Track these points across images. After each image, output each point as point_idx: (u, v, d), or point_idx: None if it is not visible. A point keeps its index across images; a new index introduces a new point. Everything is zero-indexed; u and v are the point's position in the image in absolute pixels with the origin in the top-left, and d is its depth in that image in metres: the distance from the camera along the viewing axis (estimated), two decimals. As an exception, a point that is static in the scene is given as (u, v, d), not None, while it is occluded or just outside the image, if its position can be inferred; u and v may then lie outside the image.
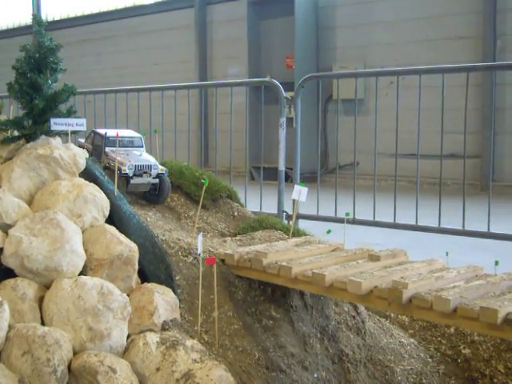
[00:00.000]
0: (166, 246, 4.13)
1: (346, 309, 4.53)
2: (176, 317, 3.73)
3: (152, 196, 5.10)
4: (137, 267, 3.77)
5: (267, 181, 8.49)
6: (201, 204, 4.70)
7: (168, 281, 3.91)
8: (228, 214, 5.55)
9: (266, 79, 8.47)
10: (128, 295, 3.66)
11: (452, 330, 5.01)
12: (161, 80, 15.87)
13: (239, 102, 8.25)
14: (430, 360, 4.83)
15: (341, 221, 4.89)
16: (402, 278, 3.46)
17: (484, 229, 6.07)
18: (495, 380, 4.66)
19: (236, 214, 5.59)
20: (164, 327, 3.62)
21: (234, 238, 4.72)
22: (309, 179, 9.11)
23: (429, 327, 5.11)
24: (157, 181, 4.95)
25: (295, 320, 4.21)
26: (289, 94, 7.33)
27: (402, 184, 11.22)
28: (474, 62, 12.65)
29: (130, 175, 4.79)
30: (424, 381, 4.63)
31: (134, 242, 3.85)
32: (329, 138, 15.94)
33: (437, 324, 5.09)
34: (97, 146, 5.16)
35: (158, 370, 3.36)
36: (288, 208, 7.12)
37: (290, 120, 7.47)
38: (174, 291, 3.86)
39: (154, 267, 3.92)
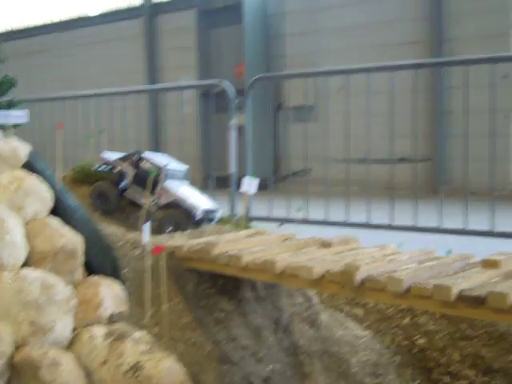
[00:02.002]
0: (112, 239, 4.00)
1: (299, 301, 4.45)
2: (124, 310, 3.60)
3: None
4: (82, 260, 3.64)
5: (221, 188, 8.39)
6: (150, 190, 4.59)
7: (115, 274, 3.78)
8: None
9: (216, 81, 8.39)
10: (73, 288, 3.52)
11: (407, 320, 4.97)
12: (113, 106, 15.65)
13: (190, 111, 8.15)
14: (385, 351, 4.77)
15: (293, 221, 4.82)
16: (354, 260, 3.39)
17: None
18: (451, 368, 4.62)
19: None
20: (111, 320, 3.49)
21: (182, 233, 4.61)
22: (261, 186, 9.03)
23: (383, 319, 5.06)
24: None
25: (247, 312, 4.11)
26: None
27: (354, 189, 11.24)
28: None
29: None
30: (380, 372, 4.57)
31: (79, 234, 3.71)
32: (280, 146, 15.91)
33: (391, 315, 5.05)
34: (146, 173, 4.90)
35: (104, 362, 3.23)
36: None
37: (240, 129, 7.39)
38: (121, 284, 3.73)
39: (100, 260, 3.79)
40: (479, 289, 2.98)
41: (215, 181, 8.11)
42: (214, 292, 4.06)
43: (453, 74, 12.81)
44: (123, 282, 3.76)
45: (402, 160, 11.63)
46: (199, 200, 4.83)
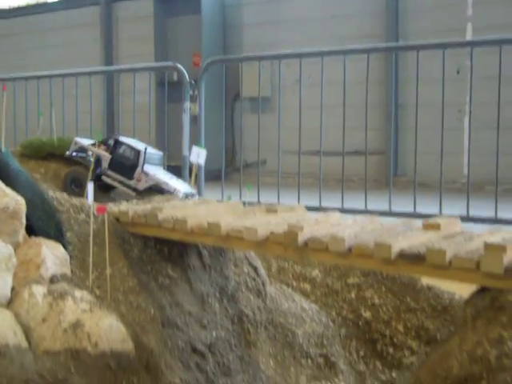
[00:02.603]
0: (57, 203, 3.95)
1: (245, 270, 4.45)
2: (66, 272, 3.56)
3: None
4: (24, 221, 3.58)
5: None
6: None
7: (58, 237, 3.73)
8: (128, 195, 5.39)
9: (170, 63, 8.36)
10: (15, 250, 3.47)
11: (353, 294, 5.01)
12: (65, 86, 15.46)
13: (144, 100, 8.11)
14: (331, 324, 4.81)
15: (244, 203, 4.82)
16: (297, 222, 3.41)
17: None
18: (395, 340, 4.68)
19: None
20: (52, 280, 3.44)
21: (129, 201, 4.58)
22: (216, 177, 9.00)
23: (330, 293, 5.10)
24: None
25: (193, 279, 4.10)
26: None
27: (310, 181, 11.28)
28: (377, 57, 12.86)
29: None
30: (325, 343, 4.60)
31: (23, 197, 3.66)
32: (236, 137, 15.90)
33: (338, 290, 5.09)
34: (123, 159, 4.82)
35: (44, 320, 3.18)
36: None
37: (195, 119, 7.38)
38: (65, 247, 3.69)
39: (44, 223, 3.74)
40: (419, 247, 3.02)
41: (170, 170, 8.08)
42: (160, 258, 4.04)
43: (407, 68, 12.94)
44: (66, 245, 3.72)
45: (355, 153, 11.74)
46: (178, 184, 4.80)
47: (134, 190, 4.95)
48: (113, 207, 4.12)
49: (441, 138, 5.91)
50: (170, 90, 7.97)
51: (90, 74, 8.58)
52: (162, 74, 15.31)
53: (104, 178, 4.92)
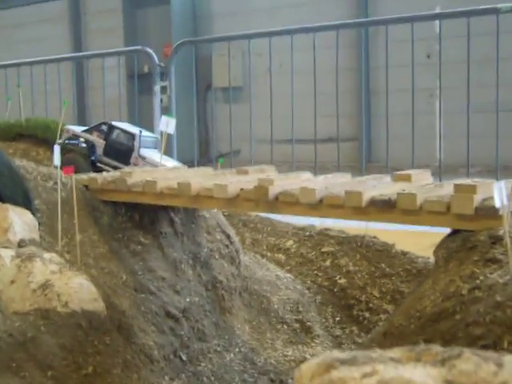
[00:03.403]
0: (24, 171, 3.88)
1: (218, 237, 4.42)
2: (34, 237, 3.50)
3: None
4: (-10, 189, 3.51)
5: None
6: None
7: (26, 204, 3.66)
8: (98, 167, 5.32)
9: (139, 47, 8.30)
10: (-19, 217, 3.40)
11: (328, 263, 5.00)
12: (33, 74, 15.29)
13: (115, 93, 8.05)
14: (306, 291, 4.79)
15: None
16: (268, 176, 3.38)
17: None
18: (371, 304, 4.67)
19: (106, 166, 5.37)
20: (20, 245, 3.37)
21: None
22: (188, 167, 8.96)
23: (305, 262, 5.08)
24: None
25: (165, 246, 4.05)
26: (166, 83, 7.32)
27: (284, 169, 11.26)
28: (349, 44, 12.87)
29: None
30: (301, 309, 4.58)
31: (-12, 165, 3.59)
32: (209, 127, 15.85)
33: (313, 259, 5.08)
34: (118, 144, 4.70)
35: (12, 282, 3.12)
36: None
37: (165, 111, 7.33)
38: (33, 214, 3.63)
39: (11, 191, 3.66)
40: (390, 194, 3.00)
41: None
42: (131, 225, 3.99)
43: (377, 55, 12.96)
44: (35, 212, 3.65)
45: (329, 140, 11.72)
46: (177, 167, 4.70)
47: None
48: (81, 175, 4.06)
49: (412, 122, 5.89)
50: (140, 81, 7.90)
51: (58, 60, 8.50)
52: (132, 66, 15.25)
53: (99, 164, 4.78)
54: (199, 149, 11.01)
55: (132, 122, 8.71)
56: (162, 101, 7.53)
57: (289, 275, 4.87)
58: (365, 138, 13.99)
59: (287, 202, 3.22)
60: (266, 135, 7.51)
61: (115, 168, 4.70)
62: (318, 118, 6.49)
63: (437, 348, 1.10)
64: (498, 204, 2.25)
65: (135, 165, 4.61)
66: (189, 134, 8.15)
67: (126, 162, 4.65)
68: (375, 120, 14.67)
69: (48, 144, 5.60)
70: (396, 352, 1.12)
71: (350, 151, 13.56)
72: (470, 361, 0.99)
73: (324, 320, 4.60)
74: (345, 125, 11.20)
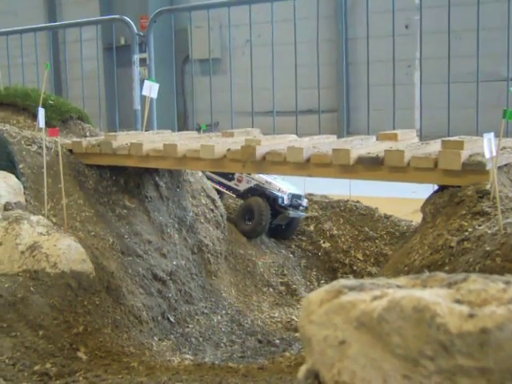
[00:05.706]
0: (7, 135, 3.84)
1: (203, 202, 4.42)
2: (20, 200, 3.48)
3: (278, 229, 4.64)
4: (-26, 152, 3.48)
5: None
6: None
7: (10, 168, 3.64)
8: (80, 135, 5.27)
9: (117, 16, 8.21)
10: (-35, 181, 3.37)
11: (312, 227, 5.02)
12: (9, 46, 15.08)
13: (92, 66, 7.97)
14: (291, 256, 4.82)
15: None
16: (254, 137, 3.38)
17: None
18: (355, 267, 4.71)
19: (88, 134, 5.31)
20: (6, 208, 3.35)
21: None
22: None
23: (289, 228, 5.10)
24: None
25: (151, 210, 4.05)
26: (144, 55, 7.25)
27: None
28: (327, 15, 12.83)
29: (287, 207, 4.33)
30: (286, 272, 4.61)
31: (-29, 129, 3.56)
32: (188, 100, 15.75)
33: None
34: None
35: (0, 244, 3.11)
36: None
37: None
38: (18, 178, 3.60)
39: (-6, 155, 3.64)
40: (378, 152, 3.02)
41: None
42: (116, 189, 3.98)
43: (356, 26, 12.93)
44: (19, 176, 3.63)
45: (309, 111, 11.71)
46: (283, 184, 4.53)
47: (235, 191, 4.72)
48: (65, 139, 4.03)
49: (392, 93, 5.89)
50: (117, 54, 7.83)
51: (34, 30, 8.39)
52: (109, 38, 15.09)
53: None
54: (178, 122, 10.96)
55: (111, 94, 8.66)
56: (139, 66, 7.45)
57: (273, 240, 4.90)
58: (345, 109, 13.99)
59: (275, 161, 3.23)
60: (244, 107, 7.49)
61: (219, 184, 4.62)
62: (299, 89, 6.48)
63: (442, 275, 1.12)
64: (487, 155, 2.28)
65: (239, 181, 4.55)
66: (167, 106, 8.10)
67: (230, 178, 4.67)
68: (354, 91, 14.64)
69: (28, 112, 5.53)
70: (402, 280, 1.14)
71: (329, 122, 13.54)
72: (477, 282, 1.01)
73: (309, 283, 4.63)
74: (324, 96, 11.17)
